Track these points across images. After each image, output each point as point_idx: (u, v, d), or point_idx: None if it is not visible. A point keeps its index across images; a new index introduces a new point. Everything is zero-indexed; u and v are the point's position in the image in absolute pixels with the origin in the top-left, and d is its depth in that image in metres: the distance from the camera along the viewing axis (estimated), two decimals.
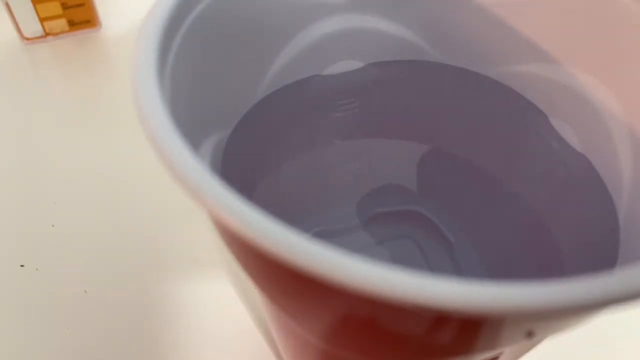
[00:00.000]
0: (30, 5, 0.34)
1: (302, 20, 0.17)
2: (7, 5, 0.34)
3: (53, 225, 0.27)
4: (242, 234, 0.09)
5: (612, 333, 0.23)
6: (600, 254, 0.15)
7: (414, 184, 0.19)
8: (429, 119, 0.20)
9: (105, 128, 0.31)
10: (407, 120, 0.19)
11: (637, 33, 0.15)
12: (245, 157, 0.17)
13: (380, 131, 0.20)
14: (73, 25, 0.36)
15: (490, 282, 0.09)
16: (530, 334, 0.11)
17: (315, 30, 0.18)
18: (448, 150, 0.19)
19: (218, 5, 0.15)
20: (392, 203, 0.19)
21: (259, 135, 0.17)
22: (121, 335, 0.23)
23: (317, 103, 0.19)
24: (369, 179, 0.19)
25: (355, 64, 0.19)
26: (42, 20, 0.35)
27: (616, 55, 0.16)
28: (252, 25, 0.16)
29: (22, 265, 0.25)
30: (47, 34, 0.36)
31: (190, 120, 0.13)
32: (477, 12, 0.18)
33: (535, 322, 0.11)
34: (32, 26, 0.35)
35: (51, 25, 0.35)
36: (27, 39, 0.36)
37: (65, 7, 0.35)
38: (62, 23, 0.36)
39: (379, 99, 0.19)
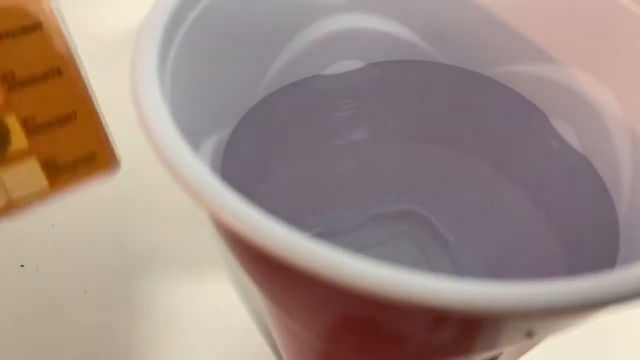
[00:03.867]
0: None
1: (302, 20, 0.17)
2: None
3: (53, 225, 0.27)
4: (243, 233, 0.09)
5: (612, 333, 0.23)
6: (600, 254, 0.15)
7: (413, 184, 0.19)
8: (429, 118, 0.20)
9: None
10: (407, 120, 0.20)
11: (636, 33, 0.15)
12: (245, 158, 0.17)
13: (380, 131, 0.20)
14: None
15: (490, 281, 0.09)
16: (530, 334, 0.11)
17: (315, 30, 0.18)
18: (448, 150, 0.19)
19: (217, 5, 0.15)
20: (392, 203, 0.19)
21: (259, 136, 0.17)
22: (122, 335, 0.23)
23: (317, 103, 0.19)
24: (368, 179, 0.19)
25: (355, 64, 0.19)
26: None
27: (615, 55, 0.16)
28: (252, 25, 0.16)
29: (22, 265, 0.25)
30: None
31: (189, 120, 0.13)
32: (477, 12, 0.18)
33: (535, 322, 0.11)
34: None
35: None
36: None
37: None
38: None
39: (379, 99, 0.19)
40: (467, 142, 0.19)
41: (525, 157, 0.18)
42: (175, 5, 0.13)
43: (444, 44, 0.19)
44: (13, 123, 0.13)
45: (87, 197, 0.28)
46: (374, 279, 0.09)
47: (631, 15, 0.15)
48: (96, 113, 0.14)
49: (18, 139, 0.14)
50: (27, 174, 0.14)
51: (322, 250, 0.09)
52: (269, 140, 0.18)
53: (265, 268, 0.11)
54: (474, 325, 0.11)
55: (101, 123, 0.15)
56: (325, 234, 0.18)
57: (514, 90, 0.18)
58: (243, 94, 0.17)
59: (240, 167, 0.16)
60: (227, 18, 0.15)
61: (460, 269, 0.18)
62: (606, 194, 0.16)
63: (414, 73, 0.20)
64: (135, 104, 0.11)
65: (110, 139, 0.15)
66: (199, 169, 0.10)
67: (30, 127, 0.14)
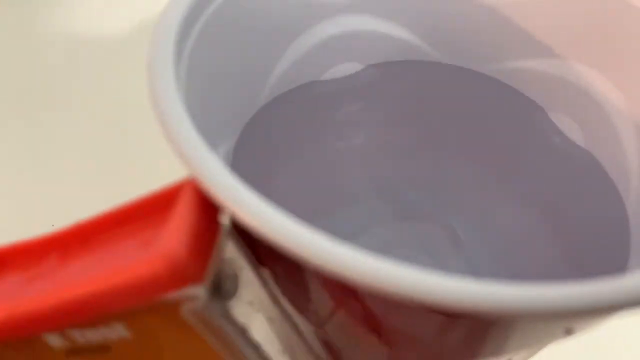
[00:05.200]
0: None
1: (300, 24, 0.17)
2: None
3: (53, 225, 0.26)
4: (270, 237, 0.09)
5: (613, 333, 0.24)
6: (611, 252, 0.15)
7: (417, 184, 0.19)
8: (430, 118, 0.20)
9: (110, 126, 0.31)
10: (408, 120, 0.19)
11: (638, 27, 0.15)
12: (251, 165, 0.17)
13: (382, 132, 0.20)
14: None
15: (514, 283, 0.09)
16: (568, 331, 0.11)
17: (313, 34, 0.18)
18: (449, 149, 0.19)
19: (221, 13, 0.15)
20: (396, 204, 0.19)
21: (264, 143, 0.17)
22: None
23: (318, 107, 0.19)
24: (372, 181, 0.19)
25: (354, 66, 0.19)
26: None
27: (618, 49, 0.16)
28: (254, 31, 0.16)
29: None
30: None
31: (202, 126, 0.13)
32: (477, 9, 0.18)
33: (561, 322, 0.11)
34: None
35: None
36: None
37: None
38: None
39: (380, 100, 0.19)
40: (468, 141, 0.19)
41: (529, 155, 0.18)
42: (188, 7, 0.13)
43: (443, 42, 0.19)
44: None
45: (87, 195, 0.28)
46: (417, 286, 0.09)
47: (633, 8, 0.15)
48: None
49: None
50: None
51: (359, 257, 0.09)
52: (273, 147, 0.18)
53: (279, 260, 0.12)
54: (487, 327, 0.11)
55: None
56: (332, 236, 0.18)
57: (515, 88, 0.18)
58: (248, 101, 0.17)
59: (247, 174, 0.16)
60: (229, 25, 0.15)
61: (466, 269, 0.18)
62: (613, 189, 0.16)
63: (413, 73, 0.20)
64: (154, 108, 0.11)
65: None
66: (225, 173, 0.10)
67: None
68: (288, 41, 0.18)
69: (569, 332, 0.11)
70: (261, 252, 0.12)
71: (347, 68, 0.19)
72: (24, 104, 0.34)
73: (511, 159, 0.19)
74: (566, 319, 0.10)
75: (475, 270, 0.17)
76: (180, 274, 0.09)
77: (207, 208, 0.10)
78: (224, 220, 0.11)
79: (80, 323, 0.10)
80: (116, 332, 0.10)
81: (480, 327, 0.11)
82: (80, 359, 0.11)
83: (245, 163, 0.16)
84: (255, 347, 0.11)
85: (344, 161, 0.19)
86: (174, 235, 0.09)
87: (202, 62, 0.14)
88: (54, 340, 0.11)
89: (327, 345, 0.16)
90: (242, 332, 0.11)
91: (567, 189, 0.17)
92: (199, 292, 0.10)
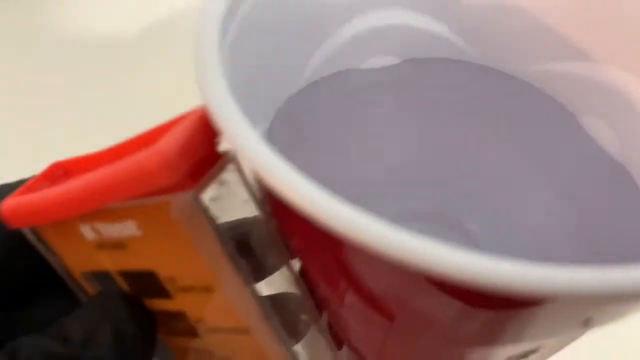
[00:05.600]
0: None
1: (342, 15, 0.18)
2: None
3: None
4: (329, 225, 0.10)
5: (614, 333, 0.24)
6: (634, 255, 0.15)
7: (443, 183, 0.19)
8: (460, 118, 0.19)
9: (110, 125, 0.31)
10: (438, 118, 0.20)
11: None
12: (280, 147, 0.17)
13: (412, 128, 0.20)
14: None
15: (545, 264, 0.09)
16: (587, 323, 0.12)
17: (354, 24, 0.18)
18: (479, 150, 0.19)
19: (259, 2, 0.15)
20: (421, 202, 0.19)
21: (294, 128, 0.17)
22: None
23: (352, 97, 0.19)
24: (399, 175, 0.19)
25: (392, 60, 0.19)
26: None
27: None
28: (296, 18, 0.16)
29: None
30: None
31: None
32: (515, 9, 0.18)
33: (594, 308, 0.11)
34: None
35: None
36: None
37: None
38: None
39: (413, 95, 0.19)
40: (498, 143, 0.19)
41: (559, 161, 0.18)
42: (226, 4, 0.13)
43: (480, 41, 0.19)
44: None
45: None
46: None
47: None
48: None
49: None
50: None
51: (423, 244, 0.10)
52: (302, 133, 0.18)
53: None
54: (503, 319, 0.11)
55: None
56: None
57: (547, 94, 0.18)
58: (284, 85, 0.17)
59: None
60: (274, 11, 0.15)
61: None
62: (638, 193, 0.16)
63: (447, 71, 0.19)
64: (202, 94, 0.11)
65: None
66: (261, 146, 0.11)
67: None
68: (327, 32, 0.18)
69: (587, 323, 0.11)
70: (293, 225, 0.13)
71: (383, 61, 0.19)
72: (24, 103, 0.34)
73: (541, 165, 0.19)
74: (595, 304, 0.10)
75: None
76: (168, 171, 0.11)
77: (208, 133, 0.12)
78: (224, 148, 0.13)
79: (103, 215, 0.13)
80: (130, 229, 0.13)
81: (497, 318, 0.12)
82: (106, 252, 0.14)
83: (276, 145, 0.17)
84: (237, 261, 0.13)
85: (370, 154, 0.19)
86: (169, 140, 0.11)
87: (243, 50, 0.14)
88: (87, 232, 0.13)
89: (340, 328, 0.16)
90: (226, 242, 0.13)
91: (594, 192, 0.17)
92: (188, 197, 0.12)
